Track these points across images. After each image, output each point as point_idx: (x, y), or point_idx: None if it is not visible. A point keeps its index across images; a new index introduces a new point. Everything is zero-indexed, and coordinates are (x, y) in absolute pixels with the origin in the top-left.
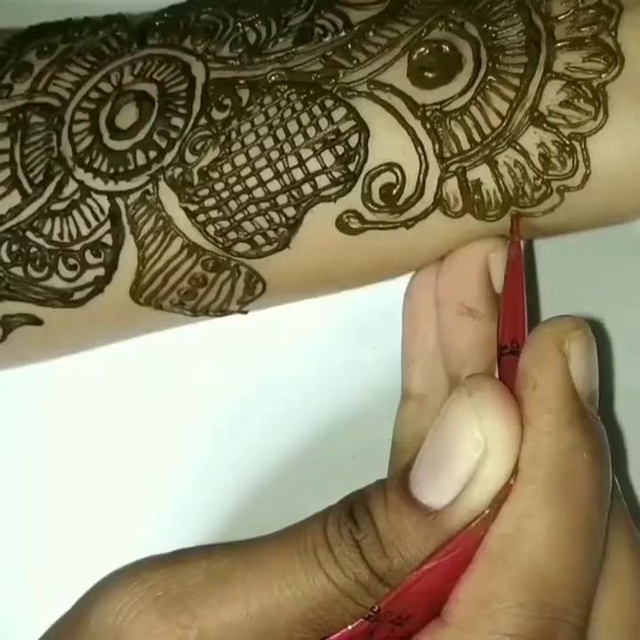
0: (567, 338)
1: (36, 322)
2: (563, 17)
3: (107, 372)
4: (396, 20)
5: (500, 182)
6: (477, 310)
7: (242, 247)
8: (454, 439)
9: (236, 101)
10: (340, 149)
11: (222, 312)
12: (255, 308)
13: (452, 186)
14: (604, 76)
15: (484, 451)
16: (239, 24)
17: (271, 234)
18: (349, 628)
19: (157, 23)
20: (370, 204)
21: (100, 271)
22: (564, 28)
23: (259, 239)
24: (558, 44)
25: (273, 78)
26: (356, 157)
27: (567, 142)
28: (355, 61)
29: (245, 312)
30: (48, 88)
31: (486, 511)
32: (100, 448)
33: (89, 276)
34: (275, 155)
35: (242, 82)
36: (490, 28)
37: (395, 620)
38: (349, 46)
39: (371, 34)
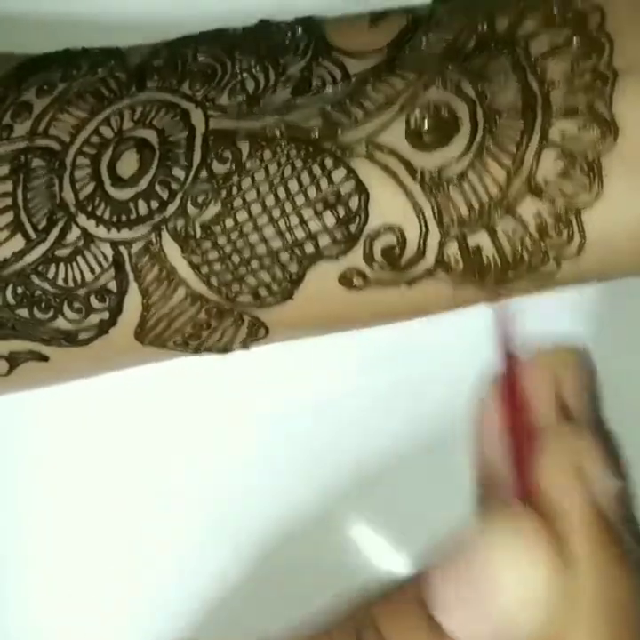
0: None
1: (42, 358)
2: (558, 81)
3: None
4: (393, 74)
5: (500, 249)
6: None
7: (245, 298)
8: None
9: (237, 154)
10: (340, 211)
11: (225, 351)
12: (257, 346)
13: (452, 249)
14: (598, 146)
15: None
16: (237, 70)
17: (274, 287)
18: None
19: (155, 64)
20: (372, 263)
21: (105, 315)
22: (559, 93)
23: (262, 291)
24: (554, 111)
25: (272, 133)
26: (357, 219)
27: (563, 214)
28: (353, 118)
29: (248, 348)
30: (49, 130)
31: None
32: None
33: (94, 319)
34: (276, 213)
35: (241, 133)
36: (486, 88)
37: None
38: (348, 102)
39: (368, 88)
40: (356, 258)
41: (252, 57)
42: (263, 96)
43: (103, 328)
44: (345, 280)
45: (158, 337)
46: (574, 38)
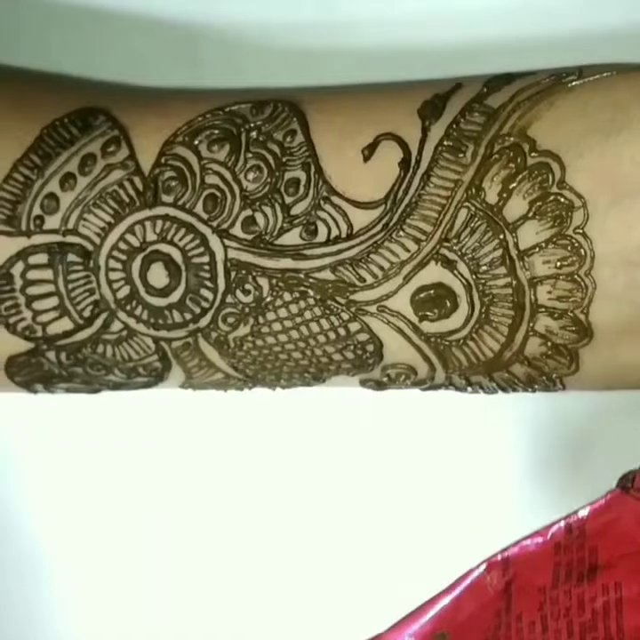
0: None
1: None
2: (543, 279)
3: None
4: (393, 239)
5: (498, 386)
6: None
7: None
8: None
9: (258, 289)
10: (358, 351)
11: None
12: None
13: (457, 380)
14: (576, 343)
15: None
16: (244, 202)
17: (301, 383)
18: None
19: (167, 175)
20: (388, 378)
21: (152, 379)
22: (544, 291)
23: (292, 384)
24: (540, 307)
25: (290, 279)
26: (373, 359)
27: (548, 379)
28: (363, 282)
29: None
30: (78, 228)
31: None
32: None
33: (141, 380)
34: (301, 344)
35: (260, 271)
36: (480, 272)
37: None
38: (356, 265)
39: (374, 254)
40: (374, 374)
41: (257, 185)
42: (273, 236)
43: (149, 385)
44: (364, 383)
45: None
46: (557, 239)
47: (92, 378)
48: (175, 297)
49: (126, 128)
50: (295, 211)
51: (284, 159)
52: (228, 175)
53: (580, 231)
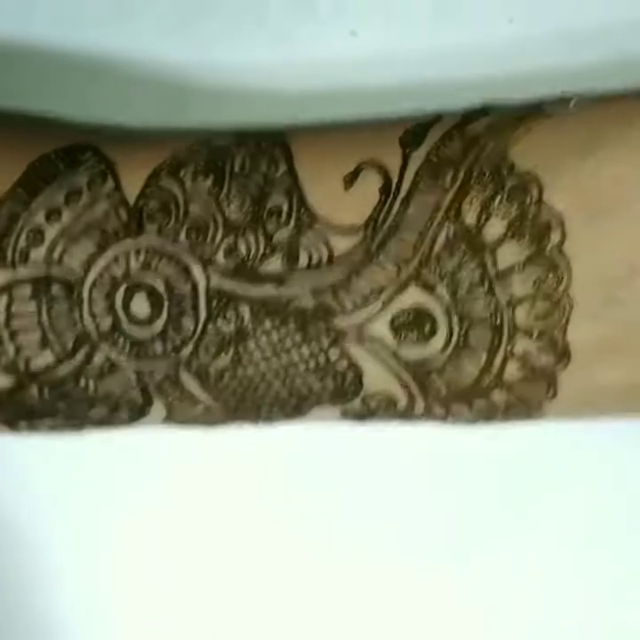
0: None
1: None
2: (522, 299)
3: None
4: (374, 265)
5: (478, 414)
6: None
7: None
8: None
9: (240, 317)
10: (338, 380)
11: None
12: None
13: (437, 410)
14: (554, 367)
15: None
16: (226, 231)
17: (282, 416)
18: None
19: (151, 206)
20: (369, 408)
21: (134, 414)
22: (523, 312)
23: (273, 417)
24: (517, 329)
25: (272, 305)
26: (353, 388)
27: (526, 406)
28: (342, 307)
29: None
30: (62, 261)
31: None
32: None
33: (123, 414)
34: (282, 373)
35: (242, 298)
36: (458, 295)
37: None
38: (336, 291)
39: (354, 279)
40: (354, 404)
41: (239, 214)
42: (254, 263)
43: (131, 422)
44: (345, 415)
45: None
46: (535, 258)
47: (76, 413)
48: (157, 327)
49: (114, 162)
50: (277, 238)
51: (266, 189)
52: (211, 205)
53: (558, 250)
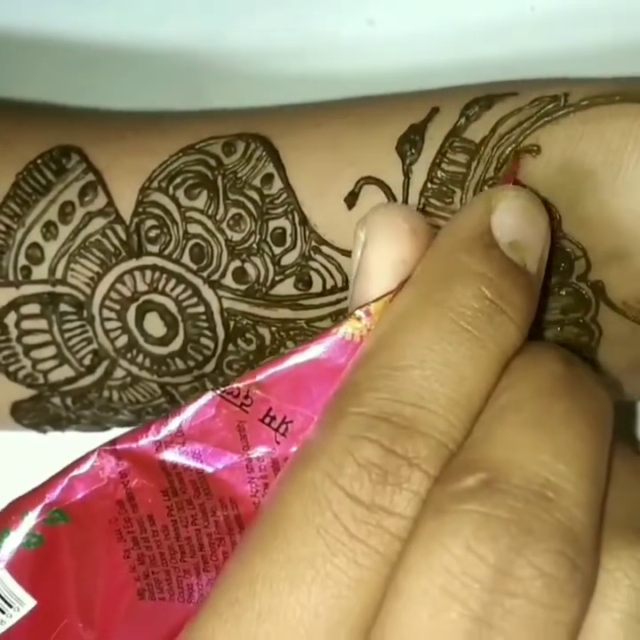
0: (496, 196)
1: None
2: (550, 326)
3: None
4: None
5: None
6: None
7: None
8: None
9: (260, 338)
10: None
11: None
12: None
13: None
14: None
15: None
16: (231, 253)
17: None
18: (200, 400)
19: (148, 224)
20: None
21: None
22: (551, 333)
23: None
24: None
25: (291, 331)
26: None
27: None
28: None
29: None
30: (67, 278)
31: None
32: None
33: (150, 417)
34: None
35: (259, 321)
36: None
37: (276, 427)
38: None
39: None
40: None
41: (242, 233)
42: (266, 286)
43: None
44: None
45: None
46: (560, 289)
47: (101, 419)
48: (176, 345)
49: (100, 172)
50: (285, 261)
51: (264, 208)
52: (209, 224)
53: (583, 280)
